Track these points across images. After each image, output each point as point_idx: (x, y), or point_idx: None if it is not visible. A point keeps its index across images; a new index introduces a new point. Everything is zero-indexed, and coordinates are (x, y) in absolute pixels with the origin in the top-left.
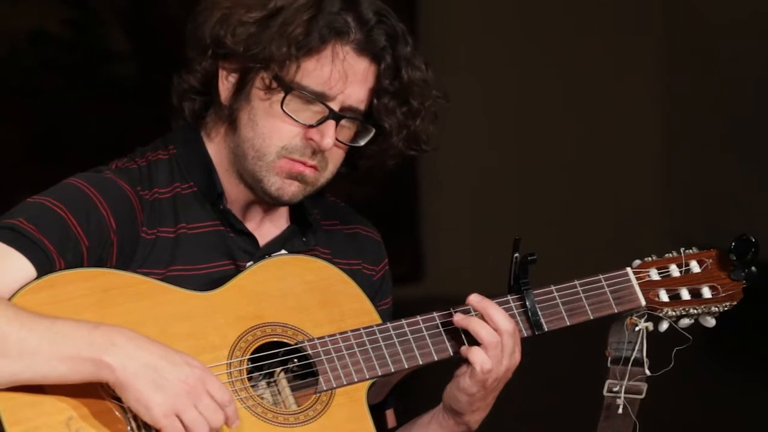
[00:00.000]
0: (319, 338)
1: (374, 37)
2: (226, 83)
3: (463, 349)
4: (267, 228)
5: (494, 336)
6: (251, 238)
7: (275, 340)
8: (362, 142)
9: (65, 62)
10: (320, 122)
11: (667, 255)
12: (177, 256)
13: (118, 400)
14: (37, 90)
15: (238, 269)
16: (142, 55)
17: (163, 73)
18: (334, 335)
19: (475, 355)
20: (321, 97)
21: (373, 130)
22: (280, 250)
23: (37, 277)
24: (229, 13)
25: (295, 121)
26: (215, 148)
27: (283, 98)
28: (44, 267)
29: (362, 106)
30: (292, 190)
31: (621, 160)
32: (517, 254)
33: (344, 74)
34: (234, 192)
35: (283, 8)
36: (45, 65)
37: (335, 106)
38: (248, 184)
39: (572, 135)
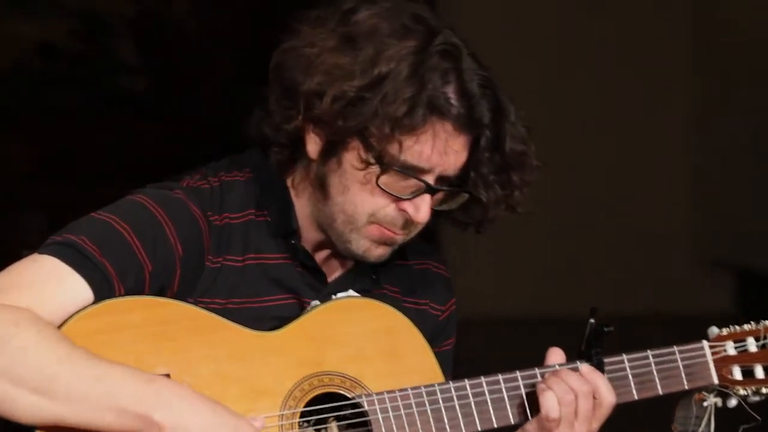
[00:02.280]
0: (377, 394)
1: (477, 113)
2: (314, 142)
3: (539, 386)
4: (336, 262)
5: (584, 384)
6: (320, 274)
7: (333, 391)
8: (454, 206)
9: (74, 75)
10: (415, 195)
11: (745, 326)
12: (240, 287)
13: None
14: (45, 104)
15: (301, 304)
16: (154, 68)
17: (175, 87)
18: (393, 392)
19: (547, 399)
20: (417, 172)
21: (467, 197)
22: (348, 287)
23: (94, 302)
24: (324, 71)
25: (389, 194)
26: (297, 194)
27: (379, 175)
28: (103, 292)
29: (457, 173)
30: (379, 252)
31: (647, 177)
32: (592, 320)
33: (443, 150)
34: (309, 233)
35: (387, 77)
36: (53, 79)
37: (431, 178)
38: (330, 237)
39: (598, 153)
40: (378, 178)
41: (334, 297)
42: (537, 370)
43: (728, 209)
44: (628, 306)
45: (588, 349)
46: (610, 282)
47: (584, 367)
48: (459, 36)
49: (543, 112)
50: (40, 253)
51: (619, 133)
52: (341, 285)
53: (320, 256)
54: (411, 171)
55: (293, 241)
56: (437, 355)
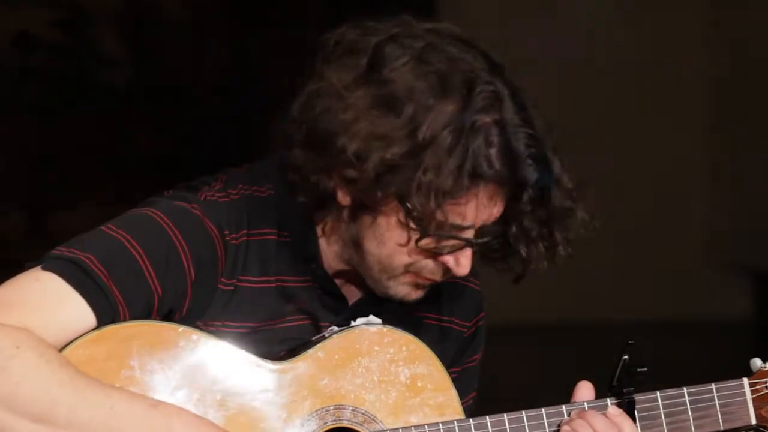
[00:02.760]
0: (391, 430)
1: (521, 172)
2: (347, 195)
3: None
4: (357, 285)
5: (611, 428)
6: (341, 299)
7: (345, 426)
8: (499, 262)
9: (53, 68)
10: (455, 250)
11: None
12: (255, 310)
13: None
14: (22, 98)
15: (317, 327)
16: (136, 61)
17: (159, 80)
18: (408, 429)
19: None
20: (458, 231)
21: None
22: (369, 310)
23: (97, 327)
24: (363, 138)
25: (429, 251)
26: (327, 238)
27: (419, 239)
28: (106, 318)
29: (497, 221)
30: (419, 294)
31: (664, 179)
32: (626, 357)
33: (485, 207)
34: (332, 262)
35: (429, 146)
36: (30, 71)
37: (471, 233)
38: (363, 276)
39: (613, 154)
40: (418, 241)
41: (353, 323)
42: (564, 408)
43: (745, 211)
44: (644, 310)
45: (619, 386)
46: (625, 286)
47: (612, 410)
48: (496, 57)
49: (557, 113)
50: (45, 268)
51: (636, 135)
52: (362, 307)
53: (341, 280)
54: (452, 231)
55: (313, 266)
56: (461, 372)
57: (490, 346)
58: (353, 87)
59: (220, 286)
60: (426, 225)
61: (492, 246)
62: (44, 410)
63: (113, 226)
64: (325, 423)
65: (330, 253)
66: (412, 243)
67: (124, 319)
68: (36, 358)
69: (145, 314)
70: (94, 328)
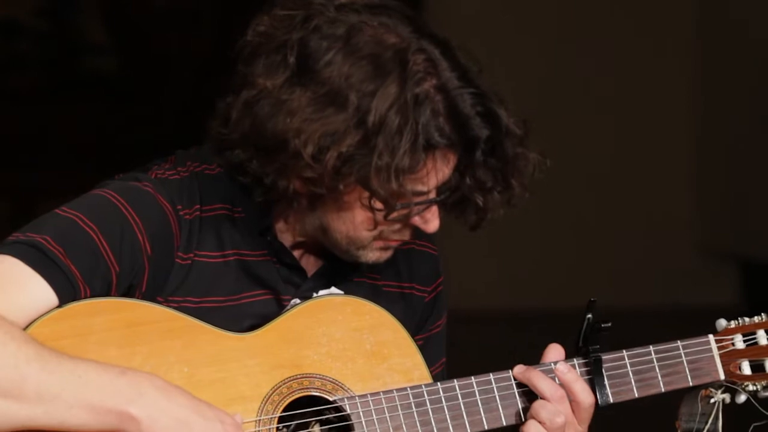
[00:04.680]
0: (360, 396)
1: (471, 132)
2: (305, 189)
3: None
4: (315, 255)
5: (558, 390)
6: (299, 270)
7: (313, 394)
8: (456, 214)
9: (39, 56)
10: (421, 212)
11: (755, 318)
12: (214, 285)
13: None
14: (7, 86)
15: (280, 302)
16: (123, 47)
17: (146, 67)
18: (377, 394)
19: (530, 427)
20: (421, 196)
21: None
22: (329, 280)
23: (59, 306)
24: (315, 140)
25: (396, 221)
26: (284, 220)
27: (386, 214)
28: (67, 296)
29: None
30: (388, 254)
31: (649, 168)
32: (590, 315)
33: (441, 170)
34: (289, 235)
35: (380, 130)
36: (17, 59)
37: (433, 194)
38: (325, 247)
39: (599, 144)
40: (386, 216)
41: (315, 295)
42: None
43: (731, 199)
44: (629, 299)
45: (585, 345)
46: (611, 274)
47: (559, 367)
48: (427, 29)
49: (543, 102)
50: (1, 252)
51: (621, 124)
52: (322, 278)
53: (299, 251)
54: (415, 199)
55: (269, 238)
56: (427, 339)
57: (474, 334)
58: (289, 90)
59: (177, 260)
60: (391, 202)
61: (451, 199)
62: (13, 386)
63: (66, 208)
64: (293, 391)
65: (288, 228)
66: (379, 219)
67: (85, 297)
68: (1, 335)
69: (105, 291)
70: (57, 307)
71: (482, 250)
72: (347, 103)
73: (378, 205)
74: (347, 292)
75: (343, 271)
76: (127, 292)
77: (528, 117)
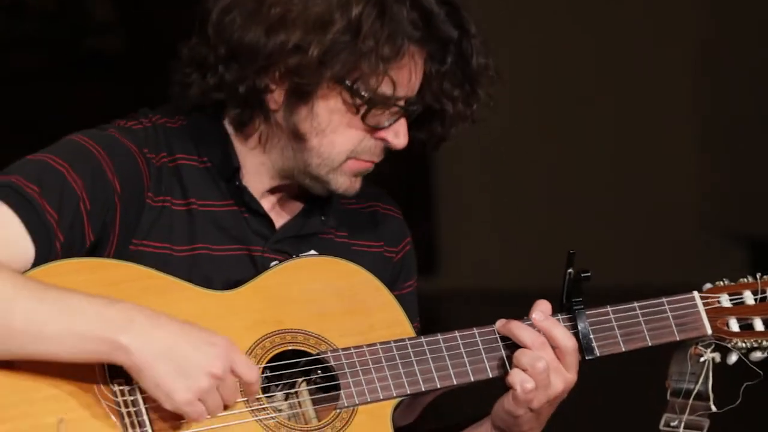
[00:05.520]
0: (343, 349)
1: (443, 32)
2: (277, 95)
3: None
4: (283, 208)
5: (538, 337)
6: (267, 220)
7: (296, 348)
8: (421, 130)
9: (44, 35)
10: (392, 123)
11: (741, 280)
12: (186, 234)
13: (118, 404)
14: (13, 66)
15: (252, 257)
16: (128, 27)
17: (153, 47)
18: (360, 347)
19: (514, 376)
20: (396, 101)
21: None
22: (296, 231)
23: (33, 242)
24: (302, 25)
25: (370, 127)
26: (253, 152)
27: (366, 112)
28: (41, 235)
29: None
30: (357, 186)
31: (655, 146)
32: (570, 270)
33: (416, 73)
34: (257, 180)
35: (361, 20)
36: (23, 40)
37: (403, 103)
38: (301, 182)
39: (602, 121)
40: (365, 116)
41: (294, 256)
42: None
43: (738, 177)
44: (635, 279)
45: (568, 300)
46: (615, 253)
47: (535, 316)
48: None
49: (546, 81)
50: None
51: (627, 103)
52: (290, 230)
53: (267, 203)
54: (392, 101)
55: (237, 183)
56: (398, 298)
57: (478, 314)
58: None
59: (148, 200)
60: (369, 97)
61: (418, 111)
62: (2, 315)
63: (37, 153)
64: (276, 345)
65: (256, 168)
66: (352, 121)
67: (57, 235)
68: None
69: (78, 230)
70: (33, 251)
71: (485, 229)
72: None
73: (356, 102)
74: (319, 252)
75: (311, 224)
76: (101, 233)
77: (534, 93)
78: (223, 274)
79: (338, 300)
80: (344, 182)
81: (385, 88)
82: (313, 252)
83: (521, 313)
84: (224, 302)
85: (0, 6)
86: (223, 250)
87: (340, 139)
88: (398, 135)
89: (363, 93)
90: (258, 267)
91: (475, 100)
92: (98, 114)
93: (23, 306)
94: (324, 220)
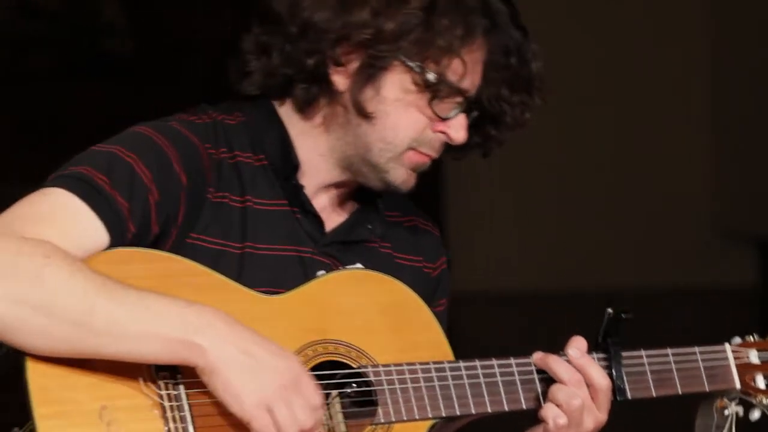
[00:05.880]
0: (384, 365)
1: (507, 30)
2: (344, 74)
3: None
4: (334, 210)
5: (575, 374)
6: (318, 221)
7: (336, 359)
8: (475, 133)
9: (55, 37)
10: (455, 115)
11: None
12: (248, 232)
13: (161, 398)
14: (25, 67)
15: (301, 256)
16: (139, 29)
17: (165, 49)
18: (400, 365)
19: (548, 410)
20: (462, 93)
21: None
22: (345, 236)
23: (108, 234)
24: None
25: (435, 115)
26: (318, 131)
27: (433, 96)
28: (115, 226)
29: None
30: (412, 182)
31: (666, 146)
32: (610, 309)
33: (477, 69)
34: (315, 174)
35: (436, 0)
36: (33, 40)
37: (465, 95)
38: (359, 174)
39: (615, 122)
40: (431, 100)
41: (341, 268)
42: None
43: (749, 178)
44: (645, 280)
45: (605, 339)
46: (626, 255)
47: (571, 352)
48: None
49: (554, 82)
50: (49, 186)
51: (640, 103)
52: (338, 235)
53: (319, 203)
54: (457, 90)
55: (294, 182)
56: None
57: (490, 315)
58: None
59: (209, 195)
60: (437, 80)
61: (481, 111)
62: (83, 316)
63: (102, 144)
64: (318, 355)
65: (314, 161)
66: (418, 105)
67: (129, 226)
68: (67, 266)
69: (145, 222)
70: (107, 242)
71: (497, 231)
72: None
73: (422, 84)
74: (364, 261)
75: (359, 231)
76: (165, 226)
77: (544, 92)
78: (272, 274)
79: (382, 316)
80: (402, 174)
81: (453, 75)
82: (359, 266)
83: (531, 312)
84: (271, 306)
85: (9, 6)
86: (273, 249)
87: (403, 123)
88: (459, 129)
89: (431, 76)
90: (306, 269)
91: (531, 106)
92: (108, 115)
93: (104, 307)
94: (371, 228)
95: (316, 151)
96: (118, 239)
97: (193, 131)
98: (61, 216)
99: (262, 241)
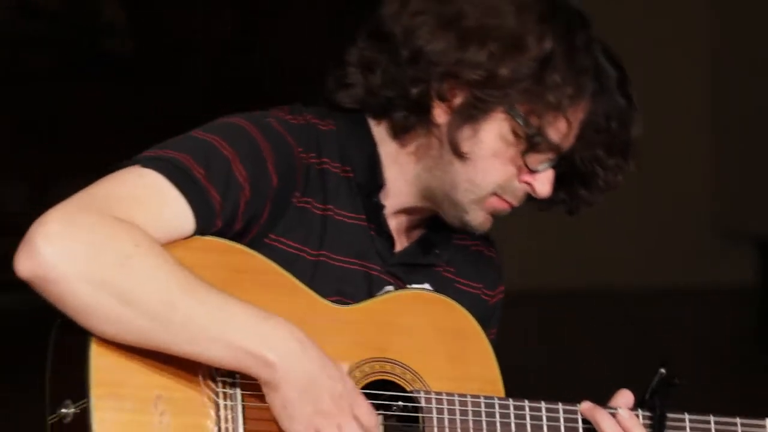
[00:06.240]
0: (436, 393)
1: (613, 96)
2: (446, 108)
3: None
4: (405, 232)
5: None
6: (390, 242)
7: (390, 379)
8: (561, 188)
9: (54, 37)
10: (544, 169)
11: None
12: (326, 240)
13: (216, 395)
14: (25, 67)
15: (369, 272)
16: (141, 29)
17: (164, 49)
18: (452, 394)
19: None
20: (557, 150)
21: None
22: (413, 259)
23: (195, 228)
24: (497, 39)
25: (525, 166)
26: (407, 159)
27: (528, 148)
28: (204, 219)
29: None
30: (488, 225)
31: (666, 147)
32: (663, 369)
33: (576, 128)
34: (395, 197)
35: (553, 55)
36: (32, 40)
37: (559, 151)
38: (438, 206)
39: None
40: (525, 153)
41: (409, 287)
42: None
43: (748, 178)
44: (645, 279)
45: (651, 398)
46: (627, 254)
47: (621, 413)
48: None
49: None
50: (144, 166)
51: (638, 103)
52: (408, 257)
53: (393, 223)
54: (553, 146)
55: (375, 200)
56: None
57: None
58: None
59: (293, 200)
60: (535, 134)
61: (573, 170)
62: (160, 311)
63: (202, 132)
64: (375, 372)
65: (399, 185)
66: (512, 156)
67: (216, 221)
68: (154, 258)
69: (232, 218)
70: (193, 233)
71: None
72: (529, 17)
73: (520, 135)
74: (431, 283)
75: (427, 255)
76: (248, 225)
77: None
78: (340, 285)
79: (441, 342)
80: (480, 217)
81: (553, 131)
82: (428, 286)
83: (530, 314)
84: (336, 316)
85: (9, 6)
86: (345, 261)
87: (494, 169)
88: (545, 183)
89: (531, 128)
90: (372, 285)
91: (625, 171)
92: (109, 113)
93: (185, 306)
94: (438, 253)
95: (403, 177)
96: (203, 231)
97: (289, 131)
98: (155, 202)
99: (336, 251)
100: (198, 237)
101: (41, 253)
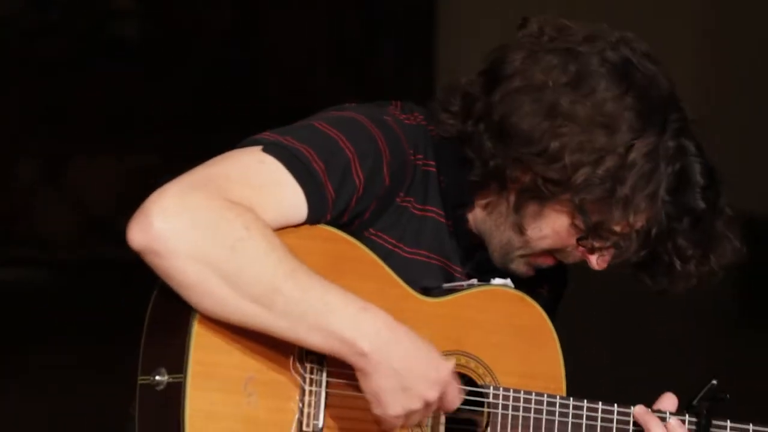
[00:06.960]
0: (505, 388)
1: (690, 203)
2: (519, 183)
3: None
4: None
5: None
6: (469, 250)
7: (463, 372)
8: (644, 271)
9: (67, 24)
10: (603, 249)
11: None
12: (422, 240)
13: (303, 380)
14: (37, 54)
15: (449, 270)
16: (152, 16)
17: (175, 36)
18: (519, 391)
19: None
20: (617, 238)
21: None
22: (492, 267)
23: (306, 221)
24: (578, 147)
25: (582, 247)
26: (478, 205)
27: (584, 239)
28: (317, 214)
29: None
30: (531, 273)
31: None
32: (715, 381)
33: (641, 222)
34: (474, 222)
35: (633, 167)
36: (45, 27)
37: (620, 238)
38: (488, 245)
39: None
40: (579, 239)
41: (492, 281)
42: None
43: (730, 155)
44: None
45: (700, 405)
46: None
47: (671, 422)
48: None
49: None
50: (265, 151)
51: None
52: (489, 262)
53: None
54: (613, 237)
55: (460, 213)
56: None
57: None
58: (562, 95)
59: (397, 199)
60: (595, 227)
61: (643, 256)
62: (264, 294)
63: (325, 124)
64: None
65: (475, 214)
66: (570, 239)
67: (326, 216)
68: (264, 243)
69: (340, 214)
70: (303, 223)
71: None
72: (617, 133)
73: (581, 226)
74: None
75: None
76: (352, 219)
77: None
78: (427, 281)
79: (515, 338)
80: (523, 268)
81: (616, 227)
82: (509, 282)
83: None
84: (422, 307)
85: None
86: (434, 259)
87: (551, 240)
88: (601, 262)
89: (592, 223)
90: (454, 282)
91: (704, 266)
92: (120, 99)
93: (289, 292)
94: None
95: (473, 215)
96: (312, 222)
97: (404, 132)
98: (272, 190)
99: (427, 249)
100: (308, 225)
101: (155, 227)
